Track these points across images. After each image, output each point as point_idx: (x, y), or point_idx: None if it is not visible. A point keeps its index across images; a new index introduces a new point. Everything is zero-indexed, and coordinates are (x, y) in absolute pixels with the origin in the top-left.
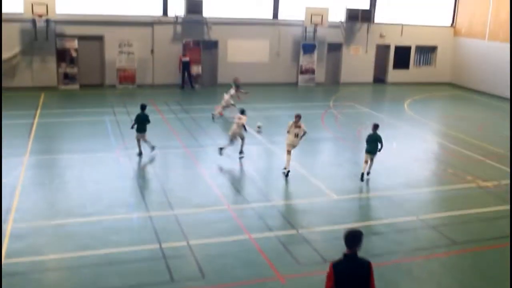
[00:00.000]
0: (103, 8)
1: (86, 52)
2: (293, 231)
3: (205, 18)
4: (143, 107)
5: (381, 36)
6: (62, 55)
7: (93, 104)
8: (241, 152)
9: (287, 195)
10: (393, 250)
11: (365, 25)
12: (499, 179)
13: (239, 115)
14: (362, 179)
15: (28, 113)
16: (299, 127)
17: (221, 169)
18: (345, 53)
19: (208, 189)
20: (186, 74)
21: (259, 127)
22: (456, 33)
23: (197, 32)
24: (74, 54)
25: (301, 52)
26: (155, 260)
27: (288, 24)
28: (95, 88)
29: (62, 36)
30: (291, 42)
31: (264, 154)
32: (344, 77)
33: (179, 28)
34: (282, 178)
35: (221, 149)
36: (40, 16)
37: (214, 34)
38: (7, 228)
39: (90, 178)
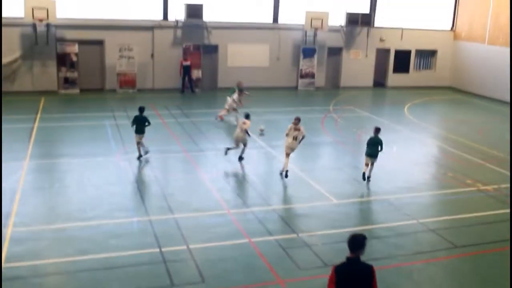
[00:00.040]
0: (104, 12)
1: (87, 57)
2: (293, 235)
3: (205, 23)
4: (141, 110)
5: (381, 40)
6: (63, 60)
7: (94, 108)
8: (240, 157)
9: (287, 199)
10: (394, 253)
11: (365, 29)
12: (499, 183)
13: (243, 119)
14: (364, 178)
15: (28, 118)
16: (298, 130)
17: (221, 174)
18: (345, 57)
19: (208, 193)
20: (186, 78)
21: (261, 130)
22: (456, 37)
23: (197, 36)
24: (74, 58)
25: (301, 56)
26: (155, 264)
27: (288, 28)
28: (95, 92)
29: (62, 40)
30: (291, 46)
31: (264, 158)
32: (344, 81)
33: (179, 32)
34: (282, 182)
35: (228, 149)
36: (41, 20)
37: (214, 38)
38: (7, 232)
39: (90, 182)
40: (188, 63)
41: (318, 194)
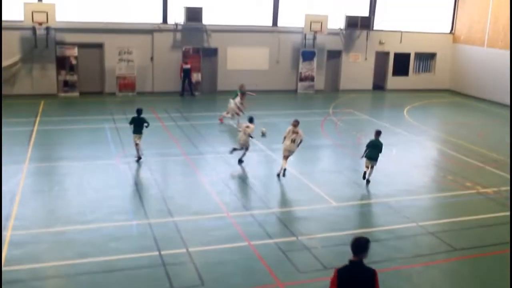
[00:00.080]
0: (103, 15)
1: (86, 60)
2: (292, 238)
3: (205, 26)
4: (138, 111)
5: (381, 43)
6: (62, 63)
7: (93, 111)
8: (240, 160)
9: (286, 202)
10: (393, 256)
11: (364, 32)
12: (499, 186)
13: (247, 123)
14: (364, 177)
15: (28, 121)
16: (297, 133)
17: (220, 177)
18: (344, 60)
19: (208, 197)
20: (186, 81)
21: (263, 132)
22: (455, 40)
23: (197, 39)
24: (74, 61)
25: (301, 59)
26: (155, 267)
27: (287, 31)
28: (95, 95)
29: (62, 43)
30: (290, 49)
31: (263, 161)
32: (344, 84)
33: (178, 35)
34: (282, 185)
35: (234, 149)
36: (40, 24)
37: (213, 41)
38: (6, 235)
39: (89, 185)
40: (188, 66)
41: (317, 197)
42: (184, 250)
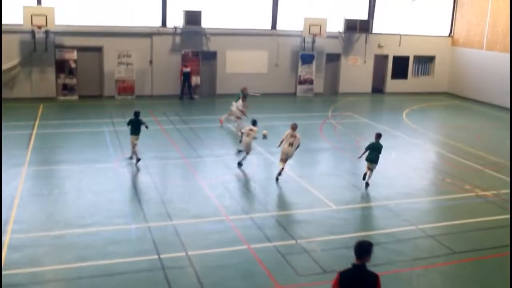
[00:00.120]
0: (102, 19)
1: (85, 63)
2: (292, 241)
3: (204, 29)
4: (136, 114)
5: (379, 46)
6: (61, 66)
7: (92, 115)
8: (240, 163)
9: (285, 205)
10: (393, 259)
11: (363, 36)
12: (498, 188)
13: (250, 126)
14: (364, 178)
15: (27, 124)
16: (295, 137)
17: (219, 180)
18: (343, 63)
19: (207, 200)
20: (186, 84)
21: (264, 135)
22: (454, 43)
23: (196, 43)
24: (73, 65)
25: (300, 63)
26: (154, 271)
27: (286, 34)
28: (94, 99)
29: (61, 47)
30: (289, 52)
31: (263, 164)
32: (343, 87)
33: (178, 39)
34: (281, 188)
35: (239, 151)
36: (40, 27)
37: (212, 45)
38: (5, 239)
39: (88, 189)
40: (188, 69)
41: (317, 200)
42: (183, 254)
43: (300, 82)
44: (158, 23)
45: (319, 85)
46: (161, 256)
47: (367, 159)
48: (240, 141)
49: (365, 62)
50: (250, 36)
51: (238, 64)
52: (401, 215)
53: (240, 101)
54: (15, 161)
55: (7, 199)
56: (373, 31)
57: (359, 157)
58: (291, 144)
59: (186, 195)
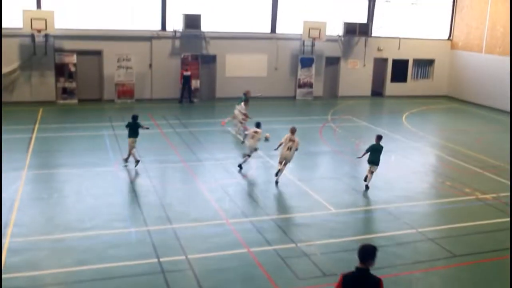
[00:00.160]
0: (102, 23)
1: (85, 67)
2: (292, 245)
3: (203, 33)
4: (134, 118)
5: (379, 49)
6: (61, 70)
7: (92, 118)
8: (240, 165)
9: (285, 209)
10: (393, 263)
11: (362, 39)
12: (498, 192)
13: (254, 128)
14: (365, 179)
15: (27, 128)
16: (293, 141)
17: (219, 183)
18: (343, 67)
19: (207, 203)
20: (186, 88)
21: (266, 137)
22: (453, 46)
23: (196, 46)
24: (72, 68)
25: (299, 66)
26: (154, 274)
27: (286, 38)
28: (93, 102)
29: (60, 51)
30: (289, 56)
31: (262, 167)
32: (342, 90)
33: (177, 42)
34: (281, 192)
35: (245, 154)
36: (39, 31)
37: (212, 48)
38: (5, 242)
39: (88, 192)
40: (188, 73)
41: (316, 204)
42: (183, 257)
43: (300, 86)
44: (158, 26)
45: (318, 89)
46: (161, 259)
47: (368, 161)
48: (243, 142)
49: (364, 65)
50: (249, 40)
51: (238, 68)
52: (401, 218)
53: (242, 104)
54: (15, 164)
55: (7, 203)
56: (373, 35)
57: (359, 157)
58: (289, 149)
59: (186, 198)
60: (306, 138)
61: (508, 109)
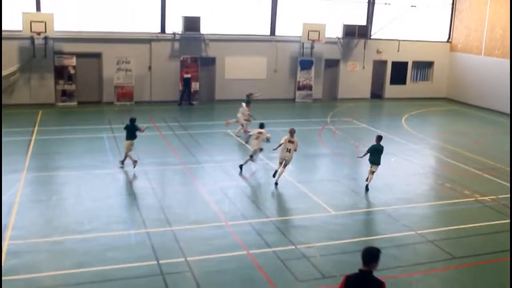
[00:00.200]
0: (101, 25)
1: (84, 69)
2: (291, 247)
3: (203, 35)
4: (132, 120)
5: (378, 52)
6: (60, 72)
7: (91, 121)
8: (241, 166)
9: (285, 211)
10: (392, 265)
11: (362, 41)
12: (497, 193)
13: (258, 129)
14: (366, 180)
15: (26, 130)
16: (292, 142)
17: (218, 186)
18: (342, 69)
19: (206, 206)
20: (186, 90)
21: (267, 138)
22: (452, 49)
23: (195, 49)
24: (72, 71)
25: (299, 68)
26: (153, 276)
27: (285, 40)
28: (93, 105)
29: (60, 53)
30: (288, 58)
31: (262, 169)
32: (342, 93)
33: (176, 45)
34: (280, 194)
35: (251, 156)
36: (39, 33)
37: (211, 50)
38: (4, 245)
39: (87, 195)
40: (188, 75)
41: (316, 206)
42: (182, 259)
43: (299, 88)
44: (157, 29)
45: (318, 91)
46: (160, 261)
47: (370, 161)
48: (247, 142)
49: (364, 67)
50: (249, 42)
51: (237, 70)
52: (401, 220)
53: (244, 106)
54: (14, 167)
55: (6, 205)
56: (372, 37)
57: (359, 157)
58: (288, 150)
59: (185, 201)
60: (305, 140)
61: (508, 111)
